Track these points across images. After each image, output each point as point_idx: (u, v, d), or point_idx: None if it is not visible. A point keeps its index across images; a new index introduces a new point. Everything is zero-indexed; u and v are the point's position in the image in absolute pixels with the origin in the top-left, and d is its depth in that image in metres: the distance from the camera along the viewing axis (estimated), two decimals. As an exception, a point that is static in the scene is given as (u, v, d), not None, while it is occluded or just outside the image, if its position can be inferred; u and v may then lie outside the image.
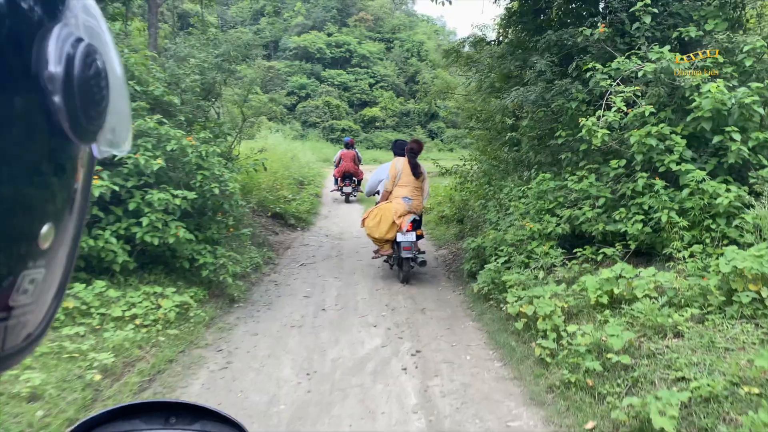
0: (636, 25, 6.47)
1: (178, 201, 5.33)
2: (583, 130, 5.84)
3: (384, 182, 6.86)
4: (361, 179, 14.35)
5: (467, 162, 11.46)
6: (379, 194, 7.06)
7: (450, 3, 9.69)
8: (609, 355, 3.75)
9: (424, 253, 6.95)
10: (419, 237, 6.83)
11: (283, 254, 8.70)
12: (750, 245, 4.31)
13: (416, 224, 6.69)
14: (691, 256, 4.79)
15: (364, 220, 6.86)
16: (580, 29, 6.85)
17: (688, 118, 5.44)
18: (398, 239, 6.38)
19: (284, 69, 46.93)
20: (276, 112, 32.16)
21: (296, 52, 48.44)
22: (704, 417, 2.99)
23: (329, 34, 50.60)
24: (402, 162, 6.75)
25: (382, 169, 7.20)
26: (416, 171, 6.69)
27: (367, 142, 41.68)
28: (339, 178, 14.48)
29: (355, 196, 14.50)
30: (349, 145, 14.61)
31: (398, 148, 7.05)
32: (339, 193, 14.69)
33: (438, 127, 47.20)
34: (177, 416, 0.83)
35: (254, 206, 10.01)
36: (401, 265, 6.66)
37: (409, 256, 6.41)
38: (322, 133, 41.79)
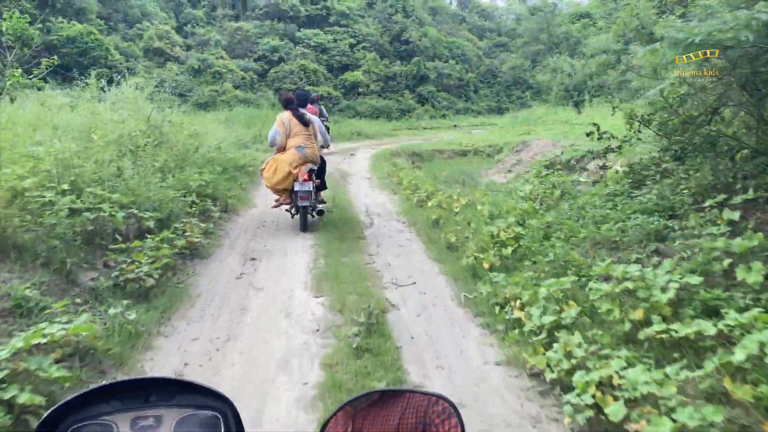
0: None
1: None
2: None
3: (276, 138, 6.93)
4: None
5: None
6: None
7: None
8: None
9: (324, 202, 7.70)
10: (320, 187, 7.33)
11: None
12: None
13: (314, 174, 6.89)
14: None
15: (262, 171, 6.95)
16: None
17: None
18: (295, 188, 6.54)
19: (254, 30, 41.88)
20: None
21: (267, 11, 43.30)
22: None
23: (303, -10, 45.38)
24: (287, 116, 6.90)
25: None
26: (303, 120, 6.87)
27: (349, 111, 37.05)
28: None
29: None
30: (313, 101, 13.75)
31: (285, 102, 7.16)
32: None
33: (428, 91, 42.58)
34: (157, 393, 0.84)
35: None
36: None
37: (305, 204, 6.61)
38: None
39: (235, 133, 16.28)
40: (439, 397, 1.07)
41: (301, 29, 42.76)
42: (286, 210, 7.34)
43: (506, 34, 67.38)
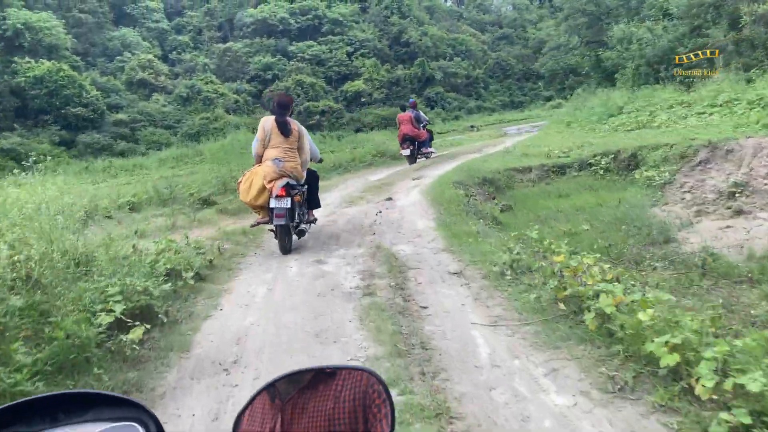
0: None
1: None
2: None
3: (253, 146, 6.31)
4: (423, 140, 14.44)
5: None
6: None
7: None
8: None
9: (314, 222, 6.82)
10: (311, 205, 6.71)
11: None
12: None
13: (299, 189, 6.20)
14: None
15: (238, 184, 6.31)
16: None
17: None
18: (270, 205, 5.90)
19: (244, 50, 39.21)
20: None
21: (255, 28, 40.62)
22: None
23: (292, 1, 42.66)
24: (270, 121, 6.14)
25: None
26: (285, 129, 6.09)
27: (354, 124, 34.09)
28: (400, 142, 14.31)
29: (424, 156, 14.57)
30: (405, 108, 14.61)
31: (275, 106, 6.31)
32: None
33: (436, 93, 39.59)
34: (66, 411, 0.78)
35: None
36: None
37: (281, 223, 5.89)
38: (297, 119, 34.23)
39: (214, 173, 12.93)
40: (369, 372, 1.05)
41: (294, 42, 40.04)
42: (269, 230, 6.48)
43: (508, 25, 64.47)
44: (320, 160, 7.72)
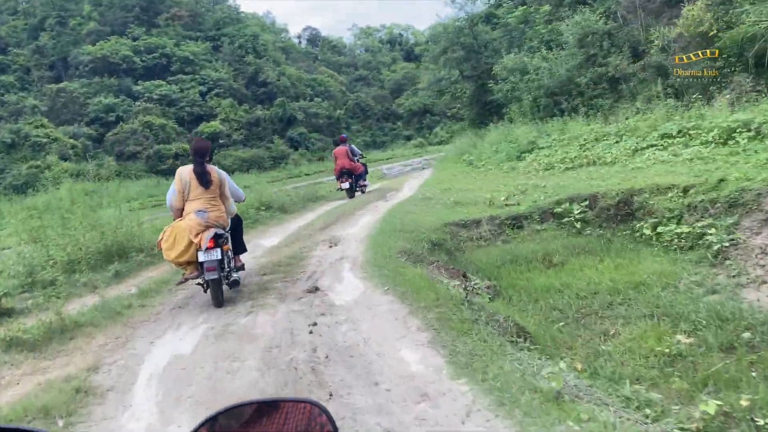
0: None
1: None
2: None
3: (170, 198, 5.72)
4: (360, 173, 14.33)
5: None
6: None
7: None
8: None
9: (242, 268, 6.29)
10: (237, 250, 6.32)
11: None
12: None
13: (224, 238, 5.76)
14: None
15: (159, 243, 5.69)
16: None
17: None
18: (200, 259, 5.43)
19: (81, 90, 35.22)
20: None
21: (94, 66, 36.80)
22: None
23: (135, 39, 39.47)
24: (187, 171, 5.60)
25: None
26: (204, 180, 5.53)
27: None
28: (337, 177, 14.17)
29: (360, 190, 14.29)
30: (339, 142, 14.46)
31: (193, 153, 5.74)
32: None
33: (299, 133, 38.43)
34: None
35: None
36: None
37: (214, 277, 5.43)
38: (146, 165, 31.00)
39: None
40: (313, 403, 1.03)
41: (140, 82, 36.82)
42: (197, 284, 5.86)
43: (363, 66, 65.71)
44: (242, 200, 6.98)
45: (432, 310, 4.42)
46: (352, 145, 14.54)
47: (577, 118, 15.08)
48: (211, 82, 38.94)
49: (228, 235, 5.98)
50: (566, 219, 7.99)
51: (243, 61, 42.26)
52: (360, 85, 57.78)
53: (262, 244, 8.50)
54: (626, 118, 12.77)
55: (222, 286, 5.71)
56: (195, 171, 5.56)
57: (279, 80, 42.16)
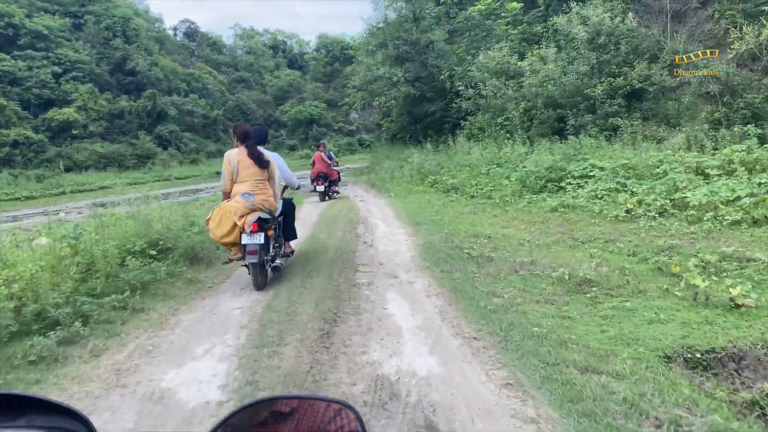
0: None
1: None
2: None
3: (222, 182, 5.82)
4: (335, 179, 14.95)
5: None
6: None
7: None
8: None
9: (290, 255, 6.46)
10: (287, 237, 6.48)
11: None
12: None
13: (272, 223, 5.86)
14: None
15: (207, 221, 5.90)
16: None
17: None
18: (242, 242, 5.59)
19: None
20: None
21: None
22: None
23: (-27, 0, 33.32)
24: (235, 154, 5.71)
25: None
26: (259, 160, 5.65)
27: (62, 161, 27.03)
28: (312, 179, 14.53)
29: (329, 196, 14.64)
30: (318, 147, 14.95)
31: (241, 136, 5.79)
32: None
33: (170, 131, 34.52)
34: None
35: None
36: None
37: (254, 261, 5.51)
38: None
39: None
40: (341, 404, 0.89)
41: (-25, 52, 30.92)
42: (243, 265, 5.93)
43: (244, 68, 62.26)
44: (298, 188, 6.98)
45: None
46: (330, 152, 15.37)
47: (590, 140, 11.73)
48: (68, 63, 33.86)
49: (275, 219, 6.00)
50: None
51: (109, 45, 37.46)
52: (241, 87, 54.42)
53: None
54: (678, 148, 9.45)
55: (265, 270, 5.78)
56: (250, 152, 5.66)
57: (150, 70, 37.90)
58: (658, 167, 8.93)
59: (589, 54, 13.28)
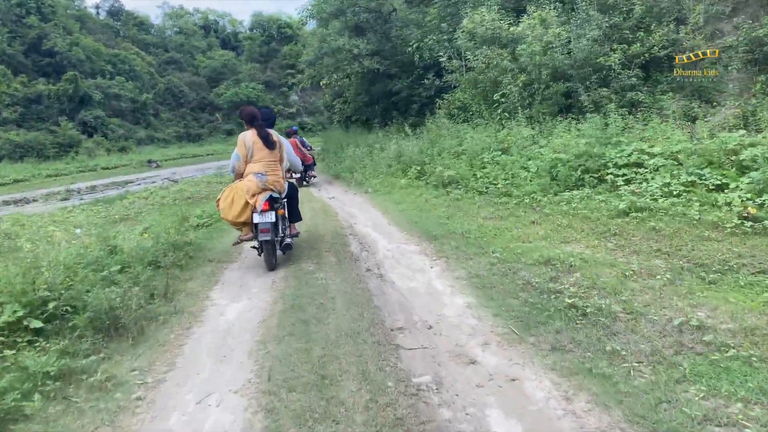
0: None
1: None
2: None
3: (234, 163, 6.15)
4: (310, 164, 14.83)
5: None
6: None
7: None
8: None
9: (297, 235, 6.58)
10: (292, 218, 6.60)
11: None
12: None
13: (280, 203, 6.18)
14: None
15: (218, 202, 6.20)
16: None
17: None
18: (254, 221, 5.87)
19: None
20: None
21: None
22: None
23: None
24: (250, 135, 6.00)
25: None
26: (268, 141, 5.98)
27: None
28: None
29: (307, 181, 14.63)
30: (290, 134, 14.41)
31: (248, 118, 6.11)
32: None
33: (95, 117, 32.09)
34: None
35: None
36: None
37: (267, 239, 5.84)
38: None
39: None
40: None
41: None
42: (252, 247, 6.44)
43: (175, 49, 59.09)
44: (299, 171, 7.24)
45: None
46: (303, 138, 15.02)
47: (617, 118, 9.28)
48: (-26, 42, 30.75)
49: (284, 200, 6.26)
50: None
51: (23, 23, 34.31)
52: (171, 69, 51.58)
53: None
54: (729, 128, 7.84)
55: (276, 250, 5.97)
56: (260, 133, 5.90)
57: (71, 51, 35.04)
58: (737, 153, 6.69)
59: (599, 16, 11.42)
